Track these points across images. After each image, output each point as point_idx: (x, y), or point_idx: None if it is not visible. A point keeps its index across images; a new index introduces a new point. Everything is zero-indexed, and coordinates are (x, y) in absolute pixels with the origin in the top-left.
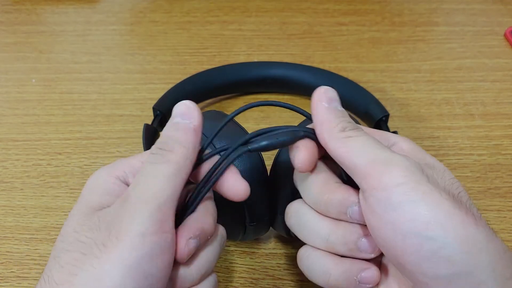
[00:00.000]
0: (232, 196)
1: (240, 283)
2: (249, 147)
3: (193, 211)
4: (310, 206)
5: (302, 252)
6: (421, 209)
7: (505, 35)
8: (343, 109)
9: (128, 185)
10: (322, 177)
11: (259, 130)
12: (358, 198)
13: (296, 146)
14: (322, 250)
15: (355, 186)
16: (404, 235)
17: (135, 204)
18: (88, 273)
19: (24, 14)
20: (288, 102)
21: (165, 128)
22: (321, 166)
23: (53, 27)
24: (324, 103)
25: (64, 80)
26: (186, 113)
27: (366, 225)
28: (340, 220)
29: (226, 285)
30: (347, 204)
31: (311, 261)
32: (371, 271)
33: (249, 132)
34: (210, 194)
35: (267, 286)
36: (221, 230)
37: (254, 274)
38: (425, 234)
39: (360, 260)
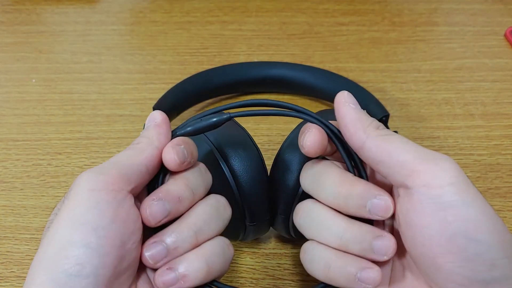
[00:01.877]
0: (167, 165)
1: (240, 283)
2: (177, 132)
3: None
4: (324, 204)
5: (307, 245)
6: (472, 211)
7: (505, 35)
8: None
9: None
10: (338, 172)
11: (195, 116)
12: (384, 192)
13: (307, 128)
14: (331, 247)
15: None
16: (451, 235)
17: (88, 171)
18: (47, 239)
19: (24, 14)
20: (288, 102)
21: None
22: (332, 163)
23: (53, 27)
24: (351, 105)
25: (64, 80)
26: (150, 118)
27: (381, 227)
28: (356, 219)
29: None
30: (368, 197)
31: (314, 254)
32: (373, 272)
33: (249, 132)
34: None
35: (267, 286)
36: (214, 197)
37: (254, 274)
38: (474, 236)
39: (363, 259)
